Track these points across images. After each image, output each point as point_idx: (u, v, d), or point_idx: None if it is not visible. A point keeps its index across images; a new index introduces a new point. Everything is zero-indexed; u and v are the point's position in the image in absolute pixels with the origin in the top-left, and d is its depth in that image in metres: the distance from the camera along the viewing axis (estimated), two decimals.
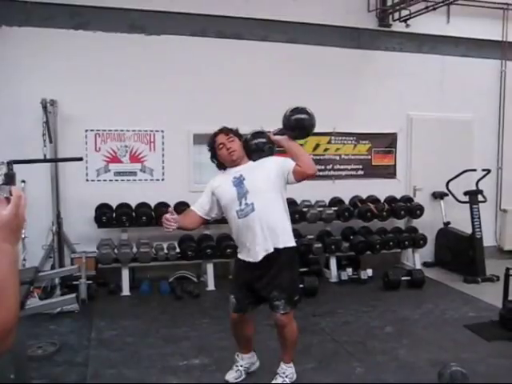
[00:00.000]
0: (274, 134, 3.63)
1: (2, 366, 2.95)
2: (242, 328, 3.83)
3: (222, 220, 4.00)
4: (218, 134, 3.67)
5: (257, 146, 3.65)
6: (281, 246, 3.51)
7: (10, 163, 1.21)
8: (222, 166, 3.73)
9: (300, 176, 3.49)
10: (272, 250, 3.48)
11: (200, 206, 3.73)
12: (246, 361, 3.93)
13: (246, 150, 3.67)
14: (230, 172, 3.63)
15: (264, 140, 3.67)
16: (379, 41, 7.38)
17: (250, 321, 3.85)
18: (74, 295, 3.90)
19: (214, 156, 3.70)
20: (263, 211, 3.47)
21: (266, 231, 3.47)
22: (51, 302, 4.22)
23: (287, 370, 3.73)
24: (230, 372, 3.89)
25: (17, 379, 3.09)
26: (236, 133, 3.73)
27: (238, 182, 3.53)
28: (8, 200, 1.22)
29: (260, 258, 3.49)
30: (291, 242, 3.61)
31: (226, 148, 3.58)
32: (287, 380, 3.70)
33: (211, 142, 3.69)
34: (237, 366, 3.91)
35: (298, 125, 3.58)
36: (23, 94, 5.99)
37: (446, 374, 3.64)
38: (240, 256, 3.64)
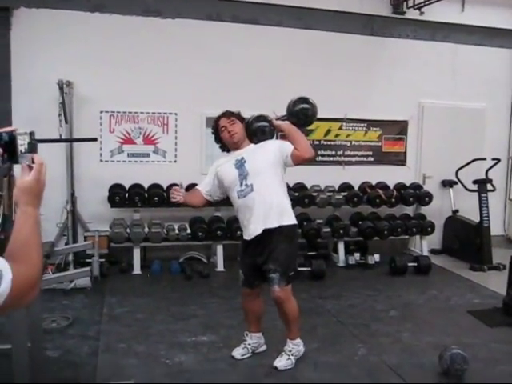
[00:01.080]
0: (277, 119, 3.75)
1: (20, 336, 3.09)
2: (251, 303, 3.98)
3: (211, 202, 4.20)
4: (220, 118, 3.85)
5: (259, 129, 3.80)
6: (276, 224, 3.64)
7: (32, 133, 1.32)
8: (225, 147, 3.92)
9: (297, 159, 3.64)
10: (267, 227, 3.62)
11: (203, 187, 3.94)
12: (254, 340, 4.05)
13: (248, 132, 3.82)
14: (233, 155, 3.81)
15: (266, 123, 3.81)
16: (393, 28, 7.39)
17: (259, 298, 3.99)
18: (88, 268, 4.04)
19: (217, 138, 3.89)
20: (261, 191, 3.63)
21: (263, 210, 3.62)
22: (66, 275, 4.39)
23: (293, 348, 3.84)
24: (237, 349, 4.02)
25: (32, 348, 3.23)
26: (238, 116, 3.89)
27: (240, 165, 3.70)
28: (30, 167, 1.33)
29: (253, 235, 3.65)
30: (290, 221, 3.74)
31: (228, 131, 3.77)
32: (292, 358, 3.81)
33: (214, 125, 3.88)
34: (244, 344, 4.04)
35: (302, 113, 3.75)
36: (40, 75, 6.10)
37: (446, 357, 3.73)
38: (243, 236, 3.81)
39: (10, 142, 1.36)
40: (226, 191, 3.84)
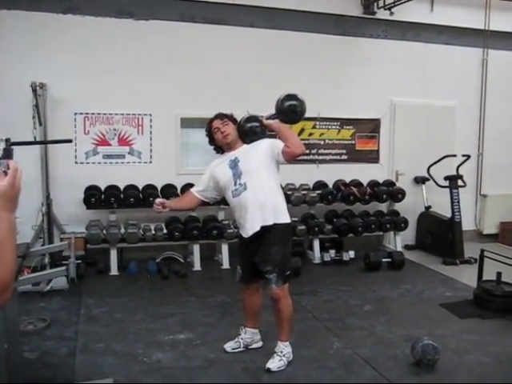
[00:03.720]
0: (267, 119, 3.82)
1: None
2: (249, 297, 4.06)
3: (208, 202, 4.20)
4: (213, 120, 3.94)
5: (250, 129, 3.85)
6: (271, 222, 3.70)
7: (8, 140, 1.36)
8: (219, 149, 3.99)
9: (289, 155, 3.69)
10: (263, 225, 3.67)
11: (196, 187, 4.04)
12: (248, 335, 4.13)
13: (240, 133, 3.87)
14: (227, 155, 3.88)
15: (257, 124, 3.86)
16: (364, 28, 7.51)
17: (257, 293, 4.06)
18: (64, 268, 4.06)
19: (212, 140, 3.97)
20: (254, 190, 3.69)
21: (257, 209, 3.68)
22: (42, 274, 4.38)
23: (284, 349, 3.87)
24: (231, 342, 4.12)
25: (10, 350, 3.24)
26: (231, 117, 3.98)
27: (233, 165, 3.77)
28: (5, 173, 1.38)
29: (251, 233, 3.70)
30: (284, 219, 3.79)
31: (221, 132, 3.85)
32: (284, 359, 3.84)
33: (208, 127, 3.96)
34: (238, 338, 4.13)
35: (290, 110, 3.78)
36: (12, 78, 6.08)
37: (418, 348, 3.83)
38: (244, 235, 3.83)
39: None
40: (221, 192, 3.91)
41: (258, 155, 3.77)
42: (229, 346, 4.11)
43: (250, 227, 3.70)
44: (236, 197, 3.74)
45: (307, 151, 7.38)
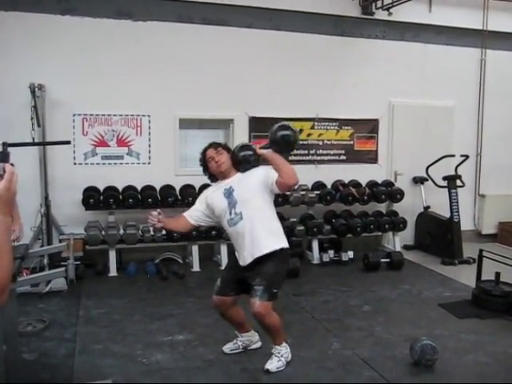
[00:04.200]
0: (260, 148, 3.82)
1: None
2: (225, 311, 3.99)
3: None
4: (207, 149, 3.94)
5: (243, 158, 3.84)
6: (268, 250, 3.68)
7: (4, 144, 1.36)
8: (213, 177, 3.99)
9: (282, 186, 3.68)
10: (259, 255, 3.67)
11: (190, 213, 3.99)
12: (245, 338, 4.13)
13: (234, 161, 3.87)
14: (221, 184, 3.87)
15: (250, 152, 3.85)
16: (362, 28, 7.52)
17: (235, 306, 4.00)
18: (63, 269, 4.05)
19: (206, 169, 3.97)
20: (250, 219, 3.68)
21: (253, 238, 3.67)
22: (41, 275, 4.38)
23: (282, 350, 3.87)
24: (230, 343, 4.13)
25: (8, 351, 3.24)
26: (224, 146, 3.99)
27: (228, 194, 3.76)
28: (1, 177, 1.38)
29: (248, 262, 3.70)
30: (280, 244, 3.77)
31: (215, 161, 3.84)
32: (283, 359, 3.84)
33: (202, 157, 3.95)
34: (236, 340, 4.14)
35: (284, 140, 3.75)
36: (11, 79, 6.08)
37: (417, 348, 3.84)
38: (241, 263, 3.80)
39: None
40: (217, 220, 3.90)
41: (253, 184, 3.75)
42: (227, 348, 4.12)
43: (248, 256, 3.70)
44: (232, 226, 3.74)
45: (306, 152, 7.41)
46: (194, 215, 3.96)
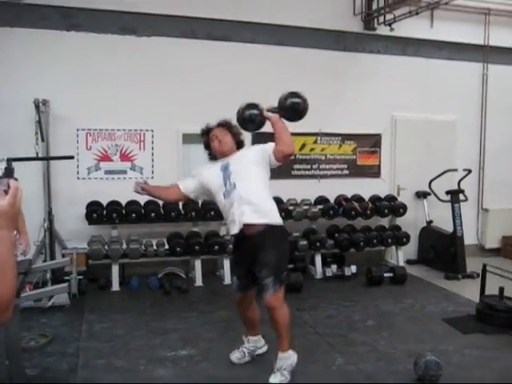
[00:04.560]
0: (267, 110, 3.84)
1: None
2: (246, 309, 4.06)
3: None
4: (213, 128, 4.02)
5: (249, 117, 3.87)
6: (266, 220, 3.74)
7: (9, 159, 1.37)
8: (213, 156, 4.04)
9: (279, 154, 3.75)
10: (252, 222, 3.69)
11: (184, 182, 4.08)
12: (251, 344, 4.15)
13: (238, 120, 3.93)
14: (218, 162, 3.94)
15: (256, 112, 3.86)
16: (364, 43, 7.57)
17: (253, 304, 4.06)
18: (66, 284, 4.06)
19: (207, 146, 4.04)
20: (245, 189, 3.74)
21: (245, 204, 3.71)
22: (44, 291, 4.38)
23: (284, 363, 3.81)
24: (235, 352, 4.15)
25: (11, 367, 3.24)
26: (232, 127, 4.02)
27: (224, 168, 3.84)
28: (6, 192, 1.39)
29: (239, 227, 3.71)
30: (277, 220, 3.83)
31: (218, 140, 3.93)
32: (285, 373, 3.78)
33: (206, 132, 4.04)
34: (242, 347, 4.16)
35: (292, 108, 3.83)
36: (16, 94, 6.11)
37: (421, 363, 3.82)
38: (231, 232, 3.88)
39: None
40: (211, 196, 3.96)
41: (249, 158, 3.86)
42: (235, 357, 4.14)
43: (239, 221, 3.72)
44: (227, 198, 3.78)
45: (308, 166, 7.43)
46: (188, 185, 4.00)
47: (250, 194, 3.74)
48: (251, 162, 3.83)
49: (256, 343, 4.17)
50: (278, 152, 3.73)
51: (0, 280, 1.28)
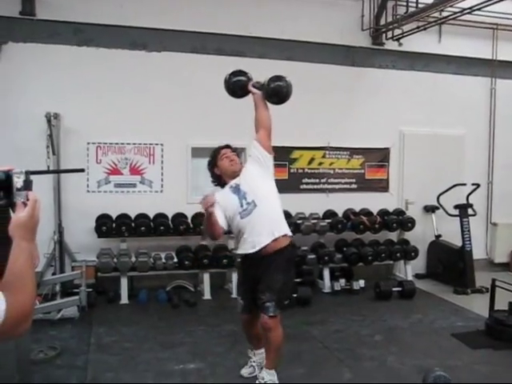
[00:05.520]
0: (253, 85, 3.98)
1: (8, 368, 3.13)
2: (251, 327, 4.07)
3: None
4: (223, 148, 4.05)
5: (237, 83, 4.09)
6: (277, 234, 3.76)
7: (27, 172, 1.41)
8: (217, 179, 4.03)
9: (263, 135, 3.90)
10: (269, 241, 3.72)
11: (219, 218, 3.80)
12: (258, 357, 4.14)
13: (226, 86, 4.16)
14: (226, 187, 3.93)
15: (244, 79, 4.06)
16: (373, 58, 7.62)
17: (258, 320, 4.00)
18: (77, 297, 4.07)
19: (213, 166, 4.00)
20: (264, 204, 3.78)
21: (267, 221, 3.76)
22: (56, 303, 4.41)
23: (266, 377, 3.83)
24: (246, 367, 4.16)
25: (20, 379, 3.26)
26: (235, 150, 4.11)
27: (235, 189, 3.85)
28: (25, 204, 1.43)
29: (262, 245, 3.71)
30: (287, 230, 3.88)
31: (230, 159, 3.96)
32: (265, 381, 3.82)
33: (215, 153, 4.02)
34: (250, 362, 4.17)
35: (275, 90, 3.96)
36: (28, 108, 6.20)
37: (430, 379, 3.79)
38: (241, 251, 3.88)
39: (6, 181, 1.45)
40: (228, 220, 3.85)
41: (252, 172, 3.88)
42: (246, 372, 4.15)
43: (258, 241, 3.72)
44: (245, 217, 3.77)
45: (317, 180, 7.45)
46: (222, 219, 3.83)
47: (272, 210, 3.81)
48: (256, 176, 3.86)
49: (262, 355, 4.15)
50: (261, 135, 3.85)
51: (20, 291, 1.31)
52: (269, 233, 3.74)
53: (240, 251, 3.92)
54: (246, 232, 3.79)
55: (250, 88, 3.97)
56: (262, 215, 3.74)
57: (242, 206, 3.78)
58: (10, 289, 1.29)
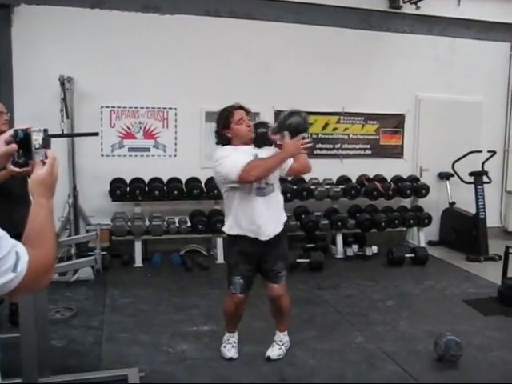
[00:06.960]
0: (271, 134, 3.65)
1: (28, 325, 3.20)
2: (242, 307, 3.86)
3: None
4: (237, 108, 3.63)
5: (260, 134, 3.67)
6: (282, 223, 3.76)
7: (46, 130, 1.41)
8: (225, 140, 3.64)
9: (293, 173, 3.87)
10: (280, 229, 3.71)
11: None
12: (236, 337, 3.99)
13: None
14: (243, 149, 3.58)
15: (265, 130, 3.68)
16: (390, 22, 7.46)
17: (246, 301, 3.91)
18: (92, 257, 4.12)
19: (224, 128, 3.60)
20: (277, 193, 3.73)
21: (278, 211, 3.74)
22: (72, 263, 4.48)
23: (283, 338, 3.96)
24: (228, 349, 3.89)
25: (39, 338, 3.32)
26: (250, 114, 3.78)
27: (256, 158, 3.57)
28: (43, 162, 1.45)
29: (271, 235, 3.63)
30: (285, 216, 3.86)
31: (247, 124, 3.60)
32: (283, 348, 3.92)
33: (228, 114, 3.60)
34: (233, 343, 3.94)
35: (292, 127, 3.57)
36: (41, 72, 6.18)
37: (441, 343, 3.83)
38: (239, 232, 3.64)
39: (25, 139, 1.46)
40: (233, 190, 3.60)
41: None
42: (233, 353, 3.89)
43: (272, 229, 3.63)
44: (260, 196, 3.57)
45: (331, 146, 7.41)
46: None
47: (280, 200, 3.78)
48: None
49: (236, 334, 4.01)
50: (294, 170, 3.73)
51: (42, 244, 1.34)
52: (277, 223, 3.68)
53: (235, 231, 3.65)
54: (256, 213, 3.55)
55: (272, 138, 3.63)
56: (276, 203, 3.70)
57: (260, 182, 3.54)
58: (31, 243, 1.32)
